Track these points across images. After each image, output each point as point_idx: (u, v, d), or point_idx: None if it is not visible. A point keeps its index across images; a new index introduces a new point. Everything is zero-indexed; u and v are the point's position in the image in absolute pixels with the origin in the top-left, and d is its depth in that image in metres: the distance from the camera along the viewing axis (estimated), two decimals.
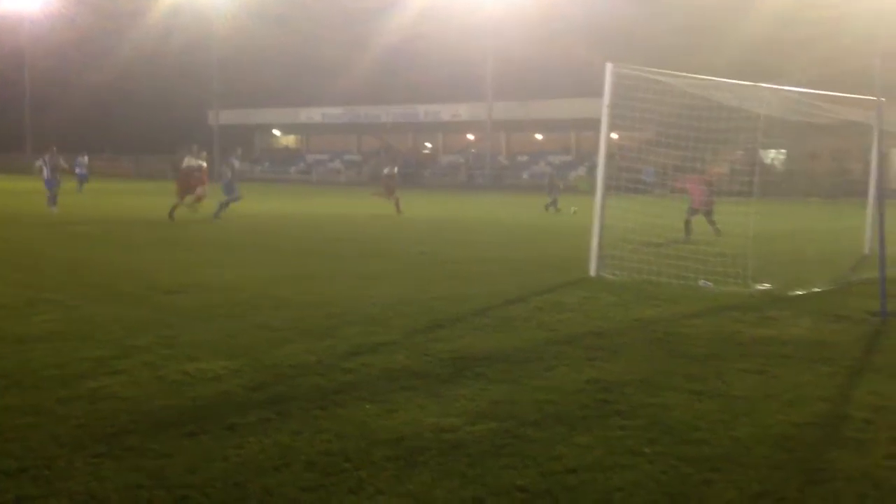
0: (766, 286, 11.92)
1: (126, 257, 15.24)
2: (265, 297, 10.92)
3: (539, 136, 75.83)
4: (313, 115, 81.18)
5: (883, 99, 10.92)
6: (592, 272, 13.12)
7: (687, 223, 19.65)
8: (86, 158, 44.35)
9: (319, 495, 4.70)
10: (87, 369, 7.20)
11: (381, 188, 30.68)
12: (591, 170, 36.40)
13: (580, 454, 5.34)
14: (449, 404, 6.36)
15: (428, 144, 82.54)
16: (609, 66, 12.88)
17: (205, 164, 25.19)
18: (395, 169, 30.77)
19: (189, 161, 24.88)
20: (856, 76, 11.98)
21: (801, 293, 11.74)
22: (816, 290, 12.01)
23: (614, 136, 19.81)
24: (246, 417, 5.98)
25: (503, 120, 69.57)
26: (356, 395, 6.59)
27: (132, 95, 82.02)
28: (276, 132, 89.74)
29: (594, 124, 13.36)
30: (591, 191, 14.78)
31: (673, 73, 12.93)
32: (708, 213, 20.09)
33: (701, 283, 12.21)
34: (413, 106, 75.88)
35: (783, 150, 60.62)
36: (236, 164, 25.19)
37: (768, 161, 60.30)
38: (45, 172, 28.15)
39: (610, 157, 13.71)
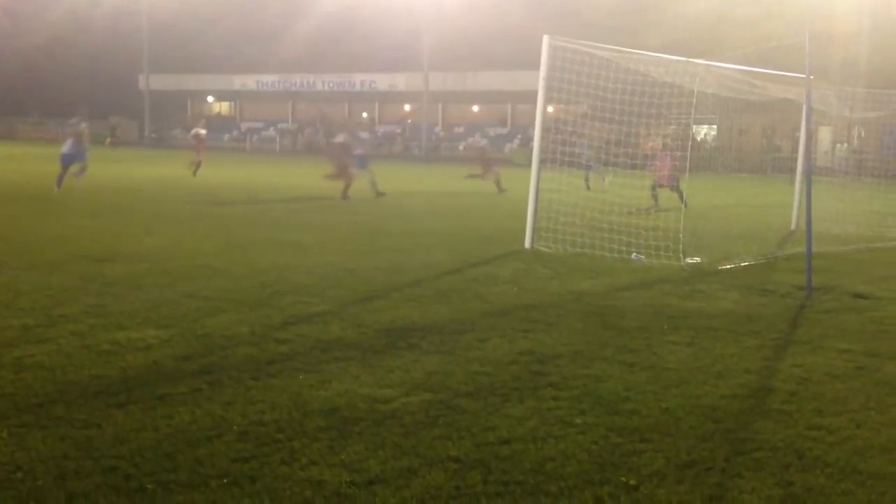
0: (697, 260, 12.13)
1: (49, 225, 14.81)
2: (197, 266, 10.76)
3: (476, 108, 75.82)
4: (247, 82, 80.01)
5: (812, 77, 11.12)
6: (528, 245, 13.21)
7: (654, 194, 20.01)
8: None
9: (251, 466, 4.67)
10: (12, 338, 7.03)
11: (478, 167, 27.34)
12: (526, 142, 36.31)
13: (513, 425, 5.38)
14: (383, 375, 6.35)
15: (364, 114, 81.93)
16: (546, 39, 12.89)
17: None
18: (484, 141, 29.11)
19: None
20: (786, 54, 12.20)
21: (730, 267, 11.98)
22: (745, 264, 12.27)
23: (550, 109, 19.91)
24: (177, 387, 5.90)
25: (440, 91, 69.34)
26: (290, 365, 6.54)
27: (62, 59, 79.69)
28: (210, 99, 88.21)
29: (531, 97, 13.37)
30: (527, 164, 14.81)
31: (609, 47, 13.00)
32: (674, 188, 20.37)
33: (633, 256, 12.38)
34: (350, 75, 75.24)
35: (714, 126, 61.63)
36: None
37: (700, 137, 61.28)
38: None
39: (546, 130, 13.77)
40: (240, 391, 5.89)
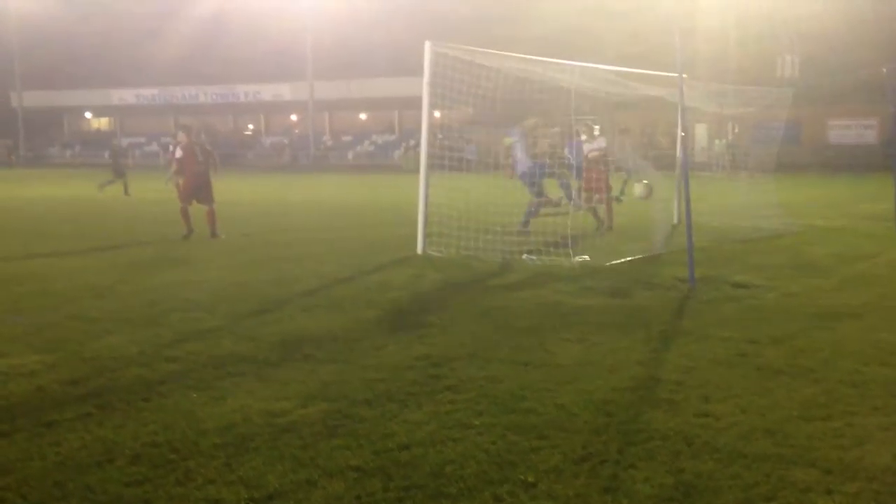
0: (586, 258, 12.39)
1: None
2: (81, 286, 10.42)
3: (363, 116, 75.71)
4: (126, 96, 78.01)
5: (684, 75, 11.50)
6: (420, 250, 13.26)
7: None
8: None
9: (145, 489, 4.55)
10: None
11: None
12: (411, 149, 36.10)
13: (412, 430, 5.40)
14: (279, 388, 6.29)
15: (250, 126, 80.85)
16: (428, 45, 12.99)
17: None
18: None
19: None
20: (659, 51, 12.58)
21: (617, 263, 12.28)
22: (631, 258, 12.61)
23: (437, 114, 19.97)
24: (64, 413, 5.71)
25: (326, 100, 69.06)
26: (182, 383, 6.41)
27: None
28: (88, 115, 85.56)
29: (417, 103, 13.44)
30: (415, 169, 14.87)
31: (489, 51, 13.19)
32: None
33: (525, 257, 12.56)
34: (233, 86, 74.16)
35: (597, 126, 63.05)
36: None
37: (583, 137, 62.64)
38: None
39: (432, 135, 13.86)
40: (130, 413, 5.74)
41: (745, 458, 4.91)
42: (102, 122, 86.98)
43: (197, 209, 15.82)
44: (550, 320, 8.54)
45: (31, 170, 57.33)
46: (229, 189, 29.01)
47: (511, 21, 53.30)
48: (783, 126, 19.01)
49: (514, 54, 13.66)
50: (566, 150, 17.78)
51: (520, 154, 15.44)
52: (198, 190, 15.87)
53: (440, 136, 14.79)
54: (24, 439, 5.26)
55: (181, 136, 16.04)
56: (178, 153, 15.94)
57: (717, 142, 50.25)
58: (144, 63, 71.23)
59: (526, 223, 15.01)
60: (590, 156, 17.04)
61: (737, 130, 51.65)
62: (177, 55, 69.63)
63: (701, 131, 55.12)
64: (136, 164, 41.13)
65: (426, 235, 13.37)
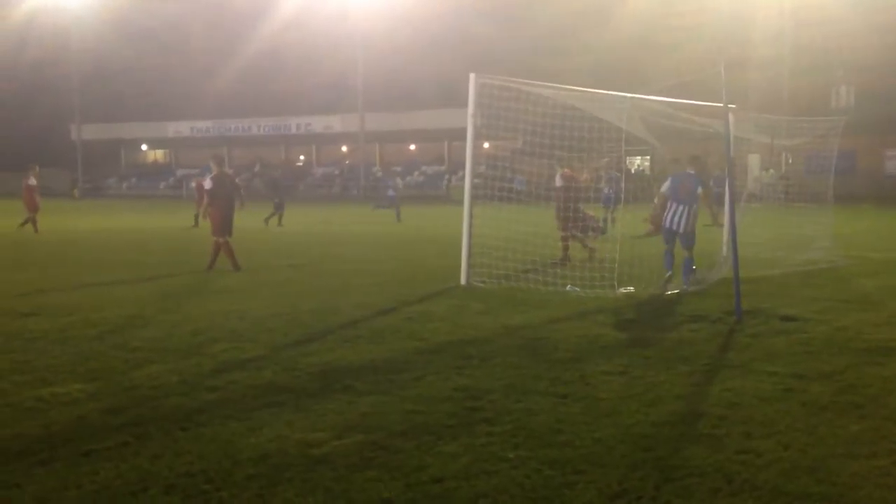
0: (630, 289, 12.26)
1: None
2: (126, 316, 10.56)
3: (413, 147, 76.20)
4: (182, 128, 79.51)
5: (732, 106, 11.38)
6: (463, 281, 13.23)
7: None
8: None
9: None
10: None
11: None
12: (452, 183, 35.94)
13: (446, 463, 5.35)
14: (316, 419, 6.28)
15: (302, 157, 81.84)
16: (472, 76, 13.04)
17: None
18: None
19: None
20: (708, 82, 12.45)
21: (661, 295, 12.12)
22: (677, 291, 12.44)
23: (486, 145, 19.95)
24: (102, 442, 5.76)
25: (376, 131, 69.67)
26: (220, 413, 6.44)
27: None
28: (144, 147, 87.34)
29: (465, 134, 13.44)
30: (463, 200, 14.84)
31: (534, 82, 13.20)
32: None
33: (568, 288, 12.47)
34: (285, 118, 75.24)
35: (648, 157, 62.67)
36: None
37: (635, 168, 62.27)
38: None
39: (477, 165, 13.87)
40: (168, 443, 5.77)
41: (786, 497, 4.78)
42: (158, 154, 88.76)
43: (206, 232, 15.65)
44: (591, 353, 8.45)
45: (90, 201, 58.52)
46: (284, 219, 29.36)
47: (563, 52, 53.38)
48: (835, 156, 18.66)
49: (559, 85, 13.65)
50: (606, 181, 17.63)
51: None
52: (229, 221, 15.70)
53: (484, 167, 14.80)
54: (63, 468, 5.32)
55: (213, 167, 16.08)
56: (208, 184, 15.95)
57: (769, 172, 49.61)
58: (199, 96, 72.63)
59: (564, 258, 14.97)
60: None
61: (790, 161, 50.97)
62: (231, 88, 70.99)
63: (753, 162, 54.48)
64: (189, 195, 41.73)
65: (470, 266, 13.34)
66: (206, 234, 16.72)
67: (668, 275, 13.18)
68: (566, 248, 15.73)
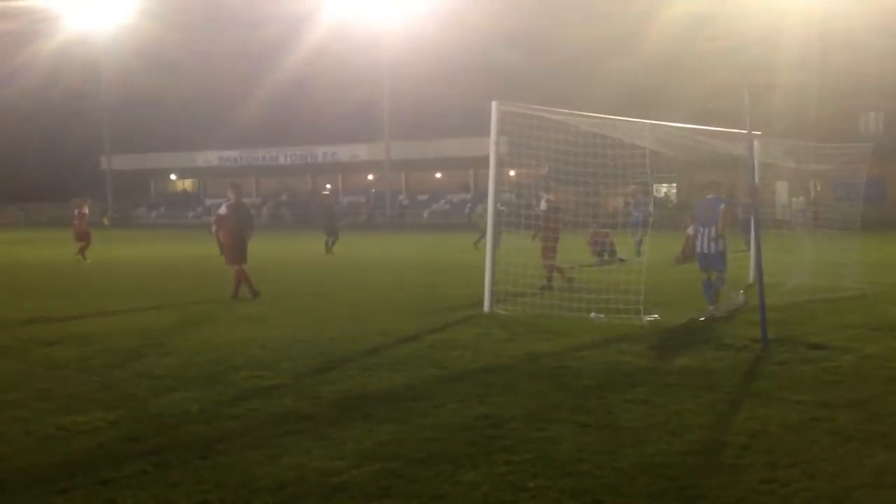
0: (655, 317, 12.15)
1: (1, 309, 14.54)
2: (148, 344, 10.61)
3: (438, 175, 76.37)
4: (210, 158, 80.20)
5: (757, 132, 11.31)
6: (486, 308, 13.18)
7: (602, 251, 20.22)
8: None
9: None
10: None
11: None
12: (476, 212, 35.94)
13: (465, 492, 5.30)
14: (335, 447, 6.25)
15: (328, 186, 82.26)
16: (494, 104, 13.06)
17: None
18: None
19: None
20: (735, 109, 12.38)
21: (687, 322, 12.01)
22: (702, 319, 12.31)
23: (512, 173, 19.89)
24: (122, 471, 5.76)
25: (402, 159, 69.89)
26: (240, 442, 6.43)
27: (18, 141, 79.41)
28: (173, 176, 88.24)
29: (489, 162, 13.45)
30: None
31: (557, 110, 13.18)
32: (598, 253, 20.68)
33: (593, 315, 12.37)
34: (311, 147, 75.73)
35: (674, 185, 62.49)
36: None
37: (661, 194, 62.07)
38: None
39: (500, 192, 13.86)
40: (187, 471, 5.76)
41: None
42: (187, 184, 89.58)
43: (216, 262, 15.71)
44: (614, 381, 8.36)
45: (120, 231, 59.05)
46: (306, 247, 29.46)
47: (587, 78, 53.40)
48: (864, 182, 18.48)
49: (582, 113, 13.63)
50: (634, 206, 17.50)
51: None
52: (241, 249, 15.60)
53: (507, 194, 14.78)
54: (81, 497, 5.32)
55: (230, 194, 16.14)
56: (223, 210, 15.95)
57: (799, 199, 49.27)
58: (227, 126, 73.33)
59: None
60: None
61: (819, 188, 50.59)
62: (258, 118, 71.62)
63: (781, 188, 54.13)
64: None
65: (493, 293, 13.29)
66: (219, 263, 16.69)
67: (710, 309, 12.91)
68: (550, 278, 15.39)
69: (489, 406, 7.39)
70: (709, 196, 13.61)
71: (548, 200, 15.68)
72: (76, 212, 27.56)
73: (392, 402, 7.59)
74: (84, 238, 26.80)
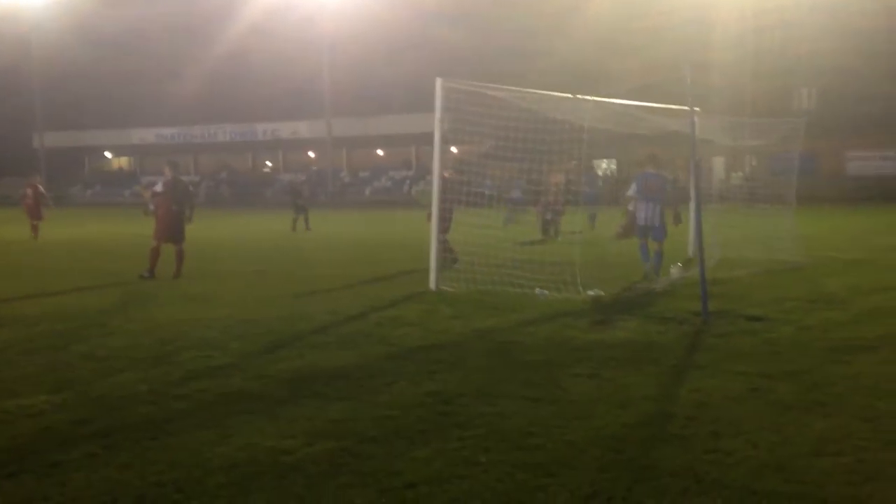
0: (598, 292, 12.33)
1: None
2: (93, 325, 10.45)
3: (380, 152, 76.12)
4: (146, 135, 78.81)
5: (697, 108, 11.49)
6: (432, 286, 13.23)
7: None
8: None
9: None
10: None
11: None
12: (426, 184, 35.95)
13: (418, 468, 5.35)
14: (287, 426, 6.26)
15: (268, 163, 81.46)
16: (439, 81, 13.05)
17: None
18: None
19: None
20: (671, 85, 12.56)
21: (629, 296, 12.21)
22: (644, 293, 12.52)
23: (454, 149, 19.90)
24: (70, 453, 5.70)
25: (343, 137, 69.50)
26: (190, 422, 6.40)
27: None
28: (108, 154, 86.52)
29: (433, 138, 13.45)
30: (430, 205, 14.85)
31: (499, 86, 13.22)
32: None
33: (537, 292, 12.49)
34: (251, 124, 74.85)
35: (613, 160, 63.14)
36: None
37: (601, 171, 62.68)
38: None
39: (444, 170, 13.88)
40: (137, 452, 5.72)
41: (754, 496, 4.83)
42: (122, 162, 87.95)
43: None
44: (562, 355, 8.49)
45: (55, 210, 57.76)
46: (246, 226, 29.20)
47: (528, 55, 53.62)
48: (797, 157, 18.90)
49: (525, 89, 13.69)
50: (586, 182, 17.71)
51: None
52: (172, 228, 15.63)
53: (449, 171, 14.78)
54: (31, 480, 5.26)
55: (166, 171, 15.93)
56: (159, 187, 15.83)
57: (737, 175, 50.13)
58: (164, 103, 72.06)
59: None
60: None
61: (754, 163, 51.53)
62: (195, 95, 70.49)
63: (718, 164, 55.02)
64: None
65: (439, 270, 13.34)
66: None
67: (647, 265, 14.06)
68: (451, 250, 15.31)
69: (439, 382, 7.45)
70: (649, 170, 14.06)
71: (442, 178, 15.68)
72: (28, 191, 26.95)
73: (342, 379, 7.61)
74: (38, 216, 26.45)
